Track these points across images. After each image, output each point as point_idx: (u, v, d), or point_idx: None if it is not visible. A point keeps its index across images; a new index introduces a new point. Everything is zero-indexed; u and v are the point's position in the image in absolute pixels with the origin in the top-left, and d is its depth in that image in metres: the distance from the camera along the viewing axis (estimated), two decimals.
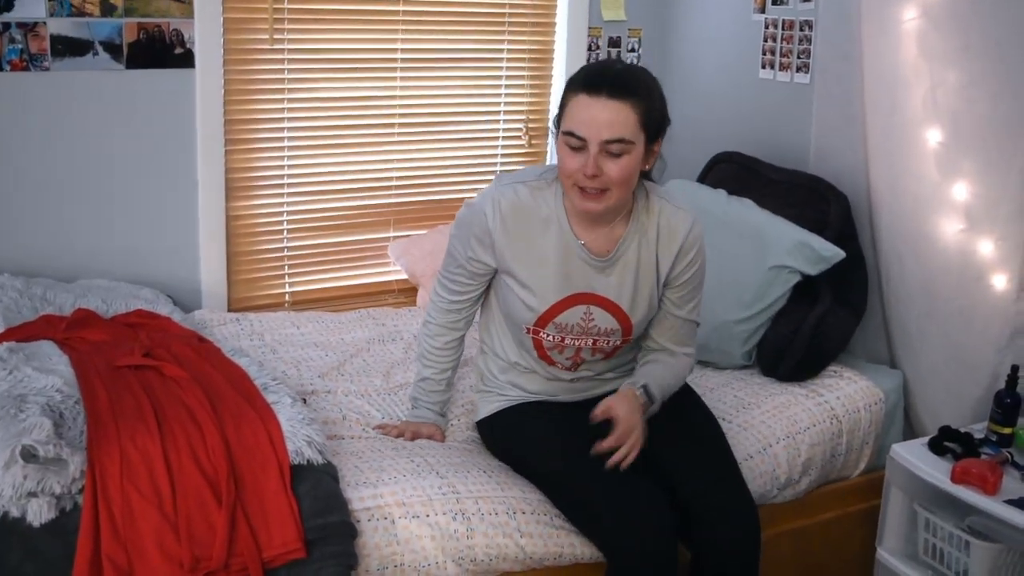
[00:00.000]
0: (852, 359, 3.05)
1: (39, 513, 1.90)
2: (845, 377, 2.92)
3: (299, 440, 2.11)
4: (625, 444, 2.16)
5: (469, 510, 2.21)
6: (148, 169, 3.06)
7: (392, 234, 3.52)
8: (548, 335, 2.30)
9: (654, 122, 2.15)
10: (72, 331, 2.46)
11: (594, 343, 2.31)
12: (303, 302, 3.40)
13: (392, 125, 3.45)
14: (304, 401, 2.36)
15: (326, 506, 2.07)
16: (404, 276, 3.49)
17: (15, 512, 1.89)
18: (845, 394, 2.85)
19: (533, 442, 2.35)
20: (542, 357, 2.35)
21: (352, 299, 3.47)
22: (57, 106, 2.92)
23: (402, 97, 3.45)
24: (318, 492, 2.08)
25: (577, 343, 2.31)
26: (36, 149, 2.91)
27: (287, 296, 3.38)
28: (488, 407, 2.45)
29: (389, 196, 3.49)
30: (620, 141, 2.09)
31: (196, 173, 3.12)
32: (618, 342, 2.32)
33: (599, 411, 2.20)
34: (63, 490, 1.92)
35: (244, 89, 3.18)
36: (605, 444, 2.16)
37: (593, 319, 2.28)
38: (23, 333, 2.41)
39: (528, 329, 2.31)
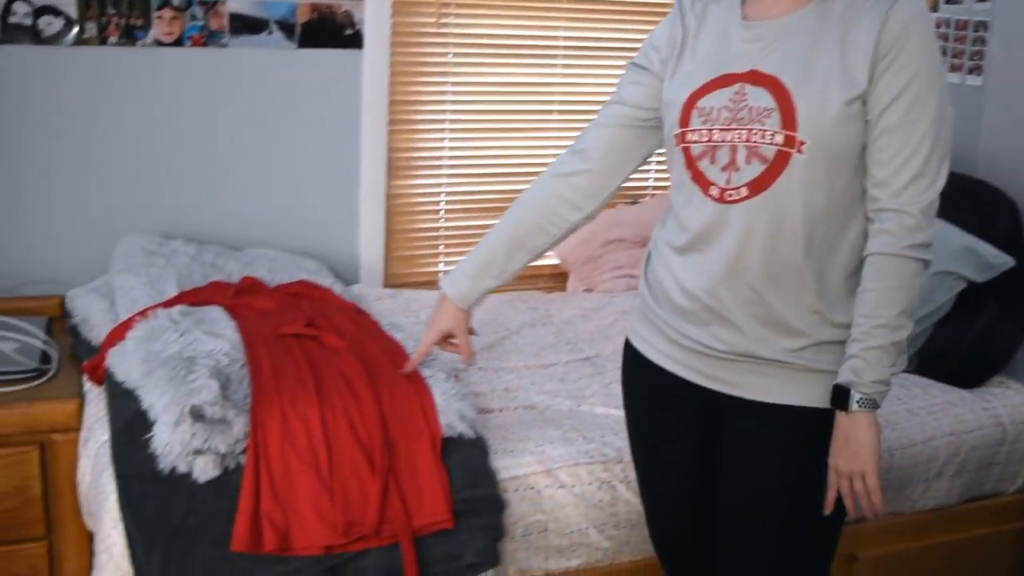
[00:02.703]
0: (1017, 373, 2.96)
1: (204, 470, 1.99)
2: (1012, 388, 2.86)
3: (452, 414, 2.16)
4: (839, 491, 1.79)
5: (615, 478, 2.25)
6: (314, 145, 3.15)
7: None
8: (695, 131, 1.80)
9: None
10: (239, 298, 2.55)
11: (748, 134, 1.75)
12: None
13: (550, 112, 3.48)
14: (456, 377, 2.42)
15: (476, 479, 2.12)
16: (555, 261, 3.51)
17: (182, 468, 1.98)
18: (1012, 404, 2.79)
19: (628, 424, 2.11)
20: (695, 180, 1.82)
21: None
22: (232, 81, 3.03)
23: (561, 84, 3.47)
24: (468, 465, 2.13)
25: (728, 137, 1.77)
26: (211, 122, 3.03)
27: (441, 275, 3.45)
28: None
29: None
30: None
31: (360, 151, 3.20)
32: (779, 136, 1.72)
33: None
34: (227, 450, 2.01)
35: (409, 71, 3.25)
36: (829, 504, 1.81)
37: (745, 97, 1.76)
38: (194, 297, 2.51)
39: (677, 136, 1.83)
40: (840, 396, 1.76)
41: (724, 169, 1.78)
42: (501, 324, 3.01)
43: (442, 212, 3.42)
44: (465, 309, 2.15)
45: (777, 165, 1.73)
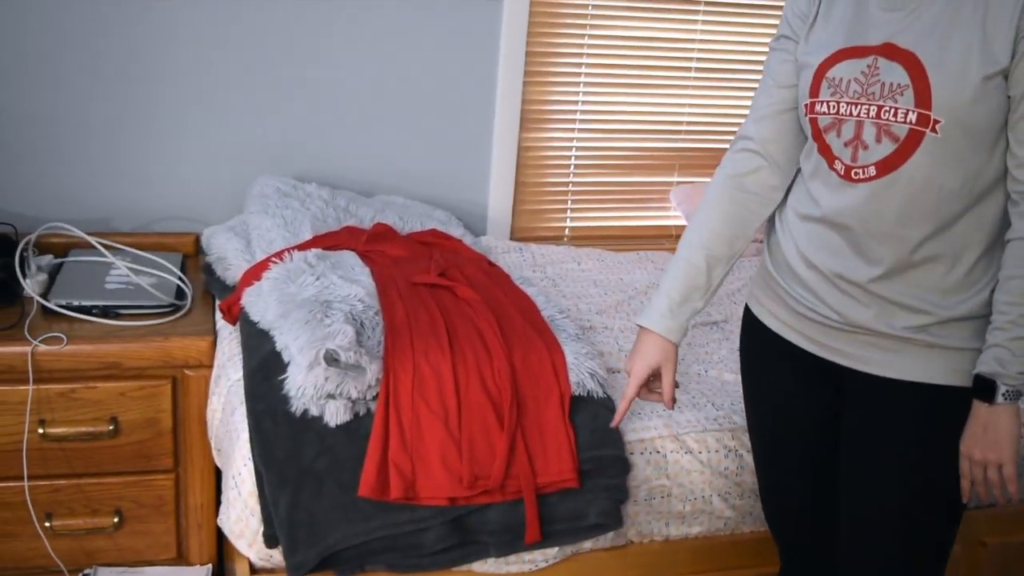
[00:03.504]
0: None
1: (335, 414, 2.01)
2: None
3: (582, 372, 2.14)
4: (971, 479, 1.75)
5: (743, 447, 2.23)
6: (449, 95, 3.14)
7: (676, 178, 3.49)
8: (822, 102, 1.76)
9: None
10: (372, 244, 2.56)
11: (879, 111, 1.70)
12: (581, 238, 3.43)
13: (688, 69, 3.41)
14: (585, 336, 2.40)
15: (603, 439, 2.10)
16: (683, 222, 3.46)
17: (314, 411, 2.00)
18: None
19: (744, 390, 2.06)
20: (822, 152, 1.79)
21: (629, 240, 3.47)
22: (373, 26, 3.02)
23: (701, 42, 3.39)
24: (596, 425, 2.11)
25: (856, 111, 1.72)
26: (348, 66, 3.03)
27: (567, 230, 3.42)
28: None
29: (677, 140, 3.45)
30: None
31: (494, 103, 3.18)
32: (912, 115, 1.66)
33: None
34: (359, 395, 2.02)
35: (548, 23, 3.21)
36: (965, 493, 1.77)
37: (878, 71, 1.70)
38: (329, 241, 2.53)
39: (807, 107, 1.79)
40: (983, 387, 1.69)
41: (848, 144, 1.73)
42: (629, 283, 2.98)
43: (572, 166, 3.38)
44: (675, 343, 1.95)
45: (909, 144, 1.66)
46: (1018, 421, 1.70)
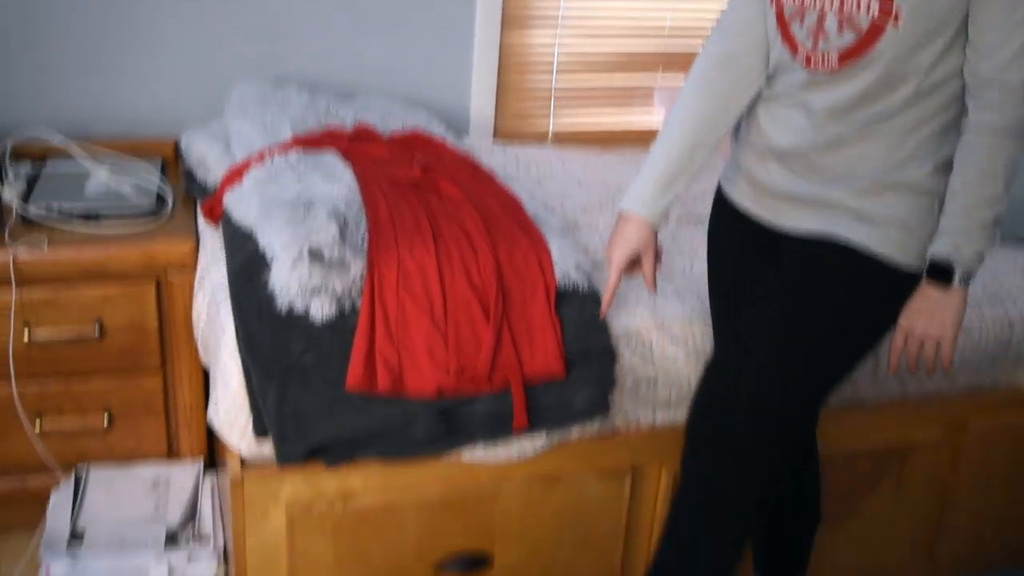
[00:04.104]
0: None
1: (321, 309, 2.00)
2: None
3: (568, 265, 2.14)
4: (900, 351, 1.86)
5: None
6: None
7: (659, 80, 3.46)
8: None
9: None
10: (354, 144, 2.54)
11: (841, 3, 1.72)
12: (566, 139, 3.41)
13: None
14: (570, 232, 2.39)
15: (589, 331, 2.11)
16: None
17: (299, 307, 1.99)
18: None
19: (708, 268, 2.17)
20: (785, 40, 1.83)
21: (612, 142, 3.46)
22: None
23: None
24: (582, 316, 2.11)
25: (818, 3, 1.75)
26: None
27: (551, 132, 3.40)
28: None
29: (661, 42, 3.41)
30: None
31: (475, 3, 3.13)
32: (875, 5, 1.69)
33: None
34: (343, 291, 2.01)
35: None
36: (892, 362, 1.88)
37: None
38: (309, 143, 2.50)
39: None
40: (939, 270, 1.78)
41: (811, 35, 1.78)
42: (613, 183, 2.97)
43: (555, 68, 3.35)
44: (655, 227, 2.00)
45: (871, 36, 1.70)
46: (965, 302, 1.80)
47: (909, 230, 1.81)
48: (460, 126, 3.21)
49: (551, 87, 3.36)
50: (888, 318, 1.88)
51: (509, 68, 3.27)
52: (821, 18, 1.75)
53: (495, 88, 3.24)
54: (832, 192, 1.84)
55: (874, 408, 2.44)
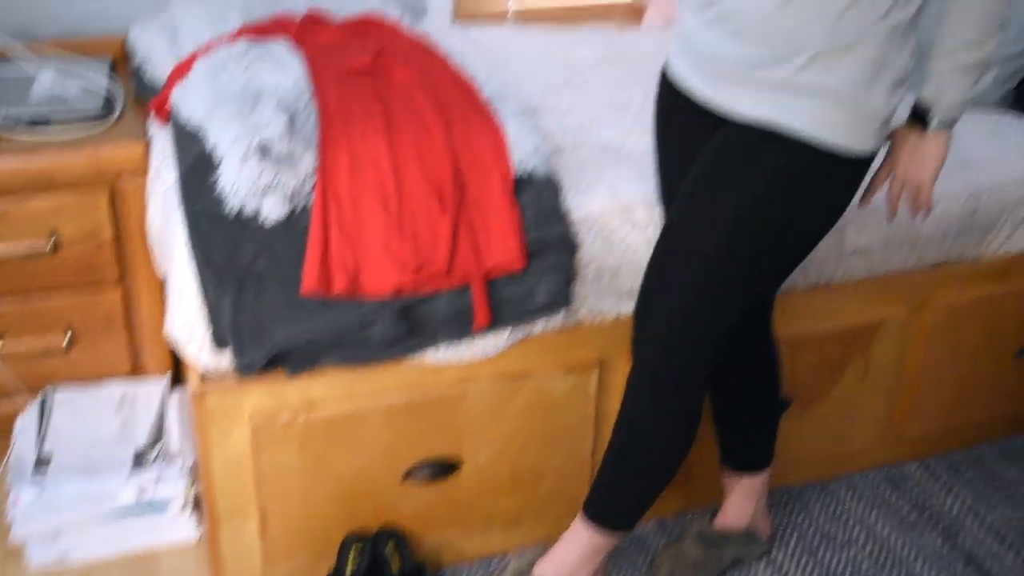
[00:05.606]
0: None
1: (273, 209, 1.95)
2: None
3: (525, 148, 2.09)
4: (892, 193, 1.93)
5: None
6: None
7: None
8: None
9: None
10: (304, 32, 2.46)
11: None
12: (527, 16, 3.31)
13: None
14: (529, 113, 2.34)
15: (547, 218, 2.07)
16: None
17: (250, 208, 1.95)
18: None
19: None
20: None
21: (577, 17, 3.36)
22: None
23: None
24: (540, 204, 2.07)
25: None
26: None
27: (509, 11, 3.30)
28: None
29: None
30: None
31: None
32: None
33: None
34: (296, 185, 1.96)
35: None
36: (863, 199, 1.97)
37: None
38: (258, 31, 2.42)
39: None
40: (918, 112, 1.83)
41: None
42: (573, 61, 2.89)
43: None
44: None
45: None
46: (947, 149, 1.84)
47: (856, 106, 1.73)
48: (418, 7, 3.11)
49: None
50: (828, 209, 1.85)
51: None
52: None
53: None
54: (776, 68, 1.73)
55: (839, 288, 2.42)
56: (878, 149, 1.82)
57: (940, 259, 2.51)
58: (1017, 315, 2.64)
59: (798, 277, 2.34)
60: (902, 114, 1.85)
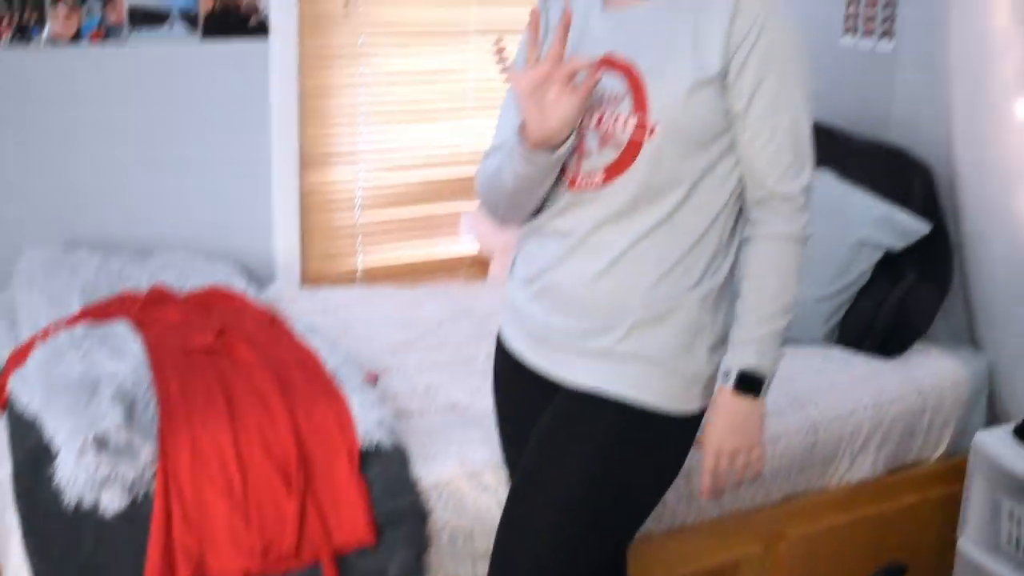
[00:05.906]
0: (935, 339, 2.96)
1: (112, 502, 1.92)
2: (931, 355, 2.86)
3: (370, 421, 2.10)
4: (713, 472, 1.82)
5: None
6: (223, 140, 3.06)
7: (464, 207, 3.49)
8: None
9: None
10: (147, 310, 2.48)
11: (599, 120, 1.74)
12: (376, 275, 3.39)
13: (465, 96, 3.41)
14: (376, 379, 2.36)
15: (396, 490, 2.07)
16: (475, 250, 3.46)
17: (89, 501, 1.91)
18: (931, 371, 2.80)
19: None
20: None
21: (425, 273, 3.45)
22: (134, 79, 2.93)
23: (476, 68, 3.40)
24: (388, 475, 2.08)
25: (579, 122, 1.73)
26: (113, 121, 2.92)
27: (359, 270, 3.38)
28: None
29: (460, 169, 3.44)
30: None
31: (270, 145, 3.11)
32: (632, 120, 1.71)
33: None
34: (136, 477, 1.93)
35: (319, 60, 3.17)
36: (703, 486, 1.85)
37: (599, 79, 1.72)
38: (99, 313, 2.43)
39: None
40: (747, 381, 1.76)
41: (574, 153, 1.76)
42: (420, 318, 2.96)
43: (358, 204, 3.34)
44: None
45: (631, 150, 1.72)
46: (765, 409, 1.81)
47: (676, 370, 1.79)
48: (265, 272, 3.16)
49: (356, 223, 3.34)
50: (668, 467, 1.88)
51: (312, 208, 3.25)
52: (581, 140, 1.75)
53: (299, 230, 3.21)
54: (600, 338, 1.78)
55: (692, 530, 2.45)
56: (705, 406, 1.86)
57: (788, 492, 2.57)
58: (867, 541, 2.70)
59: (651, 523, 2.36)
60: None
